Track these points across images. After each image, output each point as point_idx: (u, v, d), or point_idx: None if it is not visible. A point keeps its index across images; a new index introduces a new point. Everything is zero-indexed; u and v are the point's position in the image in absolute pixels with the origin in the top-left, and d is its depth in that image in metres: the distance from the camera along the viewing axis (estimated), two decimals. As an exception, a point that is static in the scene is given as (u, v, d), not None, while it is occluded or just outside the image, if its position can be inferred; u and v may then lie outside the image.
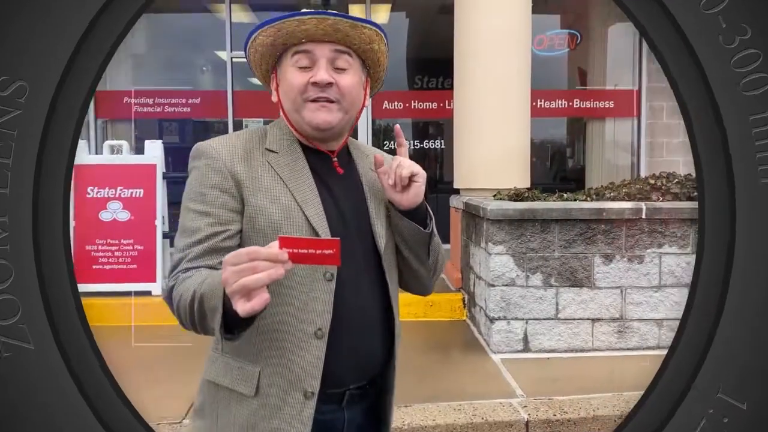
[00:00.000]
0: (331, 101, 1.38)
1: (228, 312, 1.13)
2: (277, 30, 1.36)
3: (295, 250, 1.09)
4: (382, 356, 1.49)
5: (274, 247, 1.08)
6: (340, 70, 1.39)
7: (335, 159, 1.47)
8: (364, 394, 1.46)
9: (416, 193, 1.42)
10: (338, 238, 1.12)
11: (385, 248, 1.46)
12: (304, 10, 1.36)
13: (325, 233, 1.35)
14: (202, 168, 1.38)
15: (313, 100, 1.38)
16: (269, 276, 1.06)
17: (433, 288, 1.65)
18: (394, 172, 1.39)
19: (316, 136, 1.43)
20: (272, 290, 1.23)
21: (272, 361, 1.34)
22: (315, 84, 1.37)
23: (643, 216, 4.48)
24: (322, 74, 1.37)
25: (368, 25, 1.39)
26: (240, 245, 1.35)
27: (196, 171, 1.40)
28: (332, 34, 1.37)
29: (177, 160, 8.46)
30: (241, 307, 1.07)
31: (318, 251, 1.10)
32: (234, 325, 1.15)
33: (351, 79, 1.40)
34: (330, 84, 1.37)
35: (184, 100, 8.28)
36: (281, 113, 1.47)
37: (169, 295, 1.32)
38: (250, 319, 1.14)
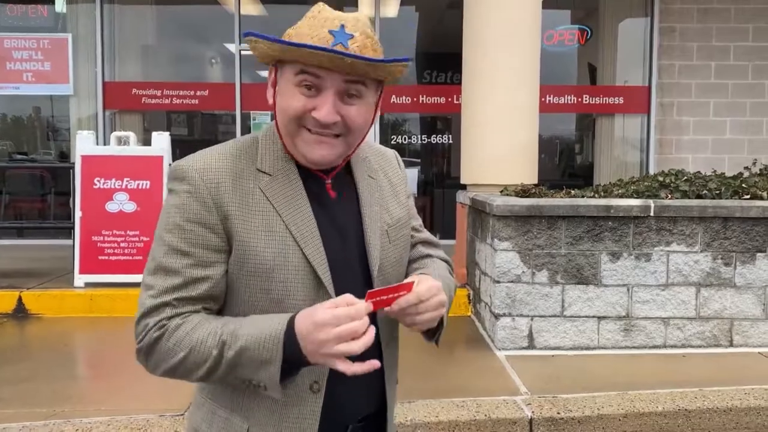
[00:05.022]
0: (336, 136, 1.22)
1: (289, 365, 1.12)
2: (284, 50, 1.18)
3: (379, 299, 1.13)
4: (383, 389, 1.40)
5: (360, 304, 1.09)
6: (350, 97, 1.21)
7: (328, 182, 1.30)
8: (366, 427, 1.37)
9: (434, 318, 1.27)
10: (413, 282, 1.18)
11: (379, 272, 1.32)
12: (320, 45, 1.14)
13: (325, 274, 1.23)
14: (182, 195, 1.21)
15: (315, 133, 1.21)
16: (365, 345, 1.07)
17: None
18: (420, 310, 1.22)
19: (312, 166, 1.27)
20: None
21: (262, 417, 1.24)
22: (315, 119, 1.19)
23: (651, 213, 4.44)
24: (326, 112, 1.18)
25: (391, 64, 1.20)
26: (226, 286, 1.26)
27: (175, 196, 1.23)
28: (347, 68, 1.17)
29: (185, 153, 8.46)
30: (347, 368, 1.08)
31: (396, 294, 1.16)
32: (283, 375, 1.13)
33: (360, 109, 1.22)
34: (335, 123, 1.20)
35: (192, 92, 8.27)
36: (274, 122, 1.29)
37: (150, 349, 1.19)
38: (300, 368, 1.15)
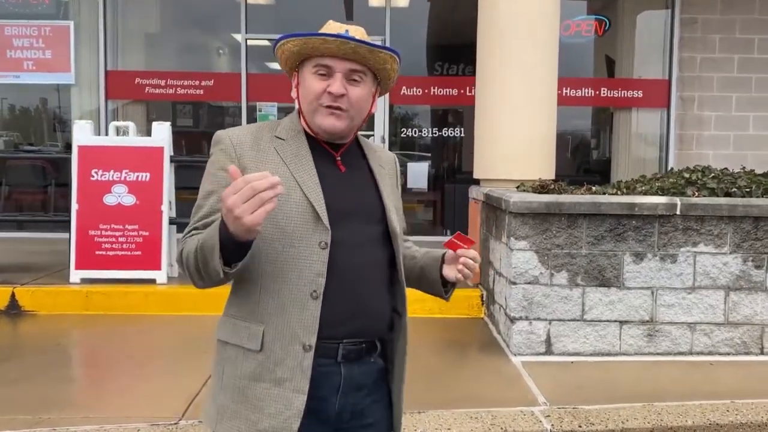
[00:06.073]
0: (342, 110, 1.58)
1: (225, 246, 1.36)
2: (304, 43, 1.56)
3: (456, 241, 1.64)
4: (381, 318, 1.63)
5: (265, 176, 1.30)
6: (353, 81, 1.59)
7: (338, 158, 1.65)
8: (360, 353, 1.59)
9: (466, 278, 1.70)
10: (474, 242, 1.60)
11: (392, 222, 1.64)
12: (329, 32, 1.53)
13: (321, 209, 1.53)
14: (217, 153, 1.60)
15: (327, 107, 1.58)
16: (269, 186, 1.27)
17: None
18: (464, 264, 1.66)
19: (324, 136, 1.63)
20: (274, 259, 1.51)
21: (274, 320, 1.52)
22: (330, 93, 1.56)
23: (678, 212, 4.18)
24: (337, 86, 1.56)
25: (384, 51, 1.57)
26: None
27: (213, 156, 1.61)
28: (351, 55, 1.55)
29: (191, 144, 8.24)
30: (249, 219, 1.27)
31: (462, 245, 1.65)
32: (232, 260, 1.39)
33: (361, 91, 1.60)
34: (343, 95, 1.56)
35: (197, 83, 8.04)
36: (297, 109, 1.66)
37: (179, 258, 1.55)
38: (244, 253, 1.39)
